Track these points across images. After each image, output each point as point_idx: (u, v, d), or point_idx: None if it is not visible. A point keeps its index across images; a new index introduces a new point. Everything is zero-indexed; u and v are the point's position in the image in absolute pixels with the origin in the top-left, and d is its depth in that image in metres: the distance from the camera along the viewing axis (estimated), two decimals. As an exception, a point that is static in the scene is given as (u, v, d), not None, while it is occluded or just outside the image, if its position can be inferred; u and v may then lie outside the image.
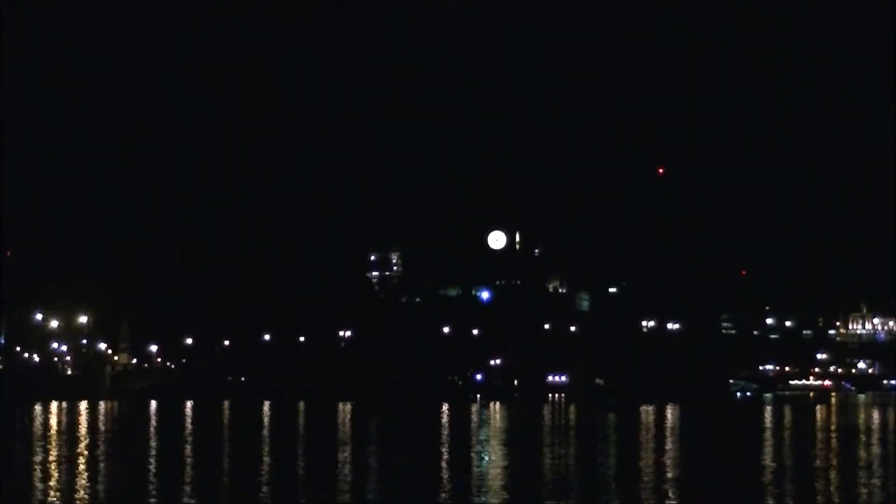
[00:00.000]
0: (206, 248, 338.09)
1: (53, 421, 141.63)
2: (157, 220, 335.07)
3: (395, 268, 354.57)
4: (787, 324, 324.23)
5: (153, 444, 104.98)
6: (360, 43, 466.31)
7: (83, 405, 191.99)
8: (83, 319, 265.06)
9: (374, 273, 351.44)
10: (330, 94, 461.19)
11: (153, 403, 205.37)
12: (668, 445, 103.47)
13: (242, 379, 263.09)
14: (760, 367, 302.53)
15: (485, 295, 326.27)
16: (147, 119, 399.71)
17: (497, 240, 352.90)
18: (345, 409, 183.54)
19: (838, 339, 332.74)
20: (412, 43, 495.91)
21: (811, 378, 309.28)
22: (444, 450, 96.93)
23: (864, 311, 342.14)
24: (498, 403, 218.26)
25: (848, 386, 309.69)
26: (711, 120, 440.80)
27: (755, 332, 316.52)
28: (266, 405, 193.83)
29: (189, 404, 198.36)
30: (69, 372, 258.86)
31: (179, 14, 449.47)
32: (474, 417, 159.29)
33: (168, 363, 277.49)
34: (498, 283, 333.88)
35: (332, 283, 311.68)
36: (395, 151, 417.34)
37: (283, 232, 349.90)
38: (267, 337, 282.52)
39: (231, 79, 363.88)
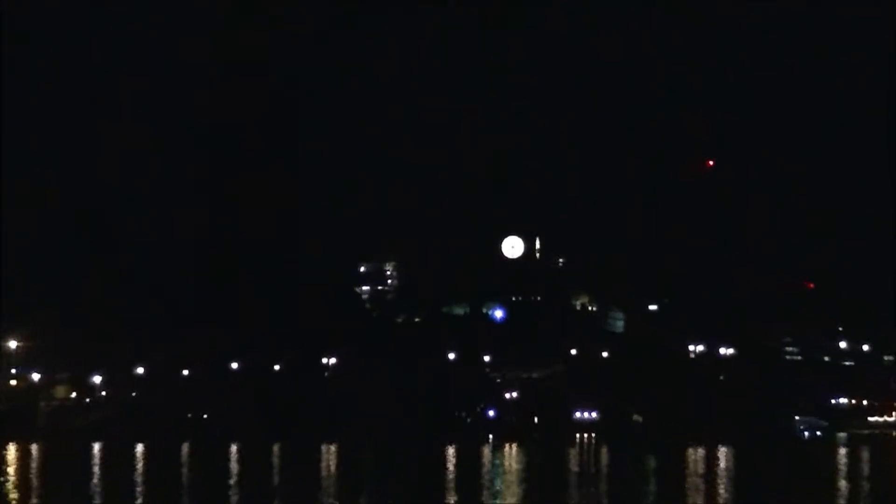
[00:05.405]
0: (168, 260, 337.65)
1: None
2: (109, 233, 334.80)
3: (389, 281, 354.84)
4: (864, 348, 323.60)
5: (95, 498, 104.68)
6: (361, 41, 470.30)
7: (11, 449, 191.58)
8: (12, 344, 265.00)
9: (365, 287, 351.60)
10: (328, 91, 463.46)
11: (96, 446, 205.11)
12: (721, 495, 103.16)
13: (204, 416, 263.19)
14: (832, 401, 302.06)
15: (498, 314, 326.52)
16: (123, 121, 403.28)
17: (513, 247, 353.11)
18: (329, 451, 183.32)
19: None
20: (419, 34, 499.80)
21: (894, 414, 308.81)
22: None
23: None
24: (514, 445, 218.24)
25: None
26: (772, 101, 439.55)
27: (825, 359, 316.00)
28: (233, 448, 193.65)
29: (140, 448, 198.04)
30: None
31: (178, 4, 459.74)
32: (486, 462, 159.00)
33: (115, 396, 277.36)
34: (514, 299, 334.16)
35: (314, 300, 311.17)
36: (394, 145, 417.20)
37: (273, 236, 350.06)
38: (234, 366, 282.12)
39: (230, 79, 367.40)
